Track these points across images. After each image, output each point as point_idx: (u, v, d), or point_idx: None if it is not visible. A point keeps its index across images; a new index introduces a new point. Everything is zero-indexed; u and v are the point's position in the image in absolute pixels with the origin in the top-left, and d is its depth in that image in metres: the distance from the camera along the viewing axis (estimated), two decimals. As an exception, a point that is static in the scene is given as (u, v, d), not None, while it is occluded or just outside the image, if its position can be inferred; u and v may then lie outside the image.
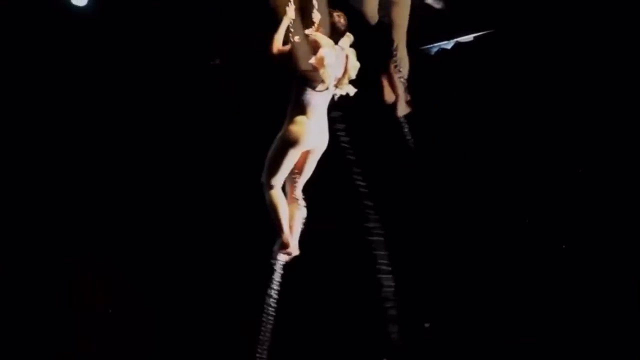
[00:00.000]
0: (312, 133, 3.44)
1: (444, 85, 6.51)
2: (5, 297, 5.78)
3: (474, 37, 6.39)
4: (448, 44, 6.61)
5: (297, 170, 3.58)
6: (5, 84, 5.64)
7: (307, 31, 3.45)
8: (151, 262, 6.33)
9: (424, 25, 6.52)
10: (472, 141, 6.24)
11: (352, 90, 3.49)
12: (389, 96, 4.21)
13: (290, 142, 3.43)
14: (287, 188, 3.61)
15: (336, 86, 3.44)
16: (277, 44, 3.38)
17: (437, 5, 6.38)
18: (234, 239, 6.42)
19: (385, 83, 3.85)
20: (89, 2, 5.51)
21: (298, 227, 3.64)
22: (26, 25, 5.49)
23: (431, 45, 6.74)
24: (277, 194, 3.51)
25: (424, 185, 6.34)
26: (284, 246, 3.53)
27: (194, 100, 6.61)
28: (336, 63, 3.38)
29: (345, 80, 3.45)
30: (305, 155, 3.55)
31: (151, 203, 6.38)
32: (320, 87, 3.38)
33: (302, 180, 3.62)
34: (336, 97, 3.52)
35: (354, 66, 3.47)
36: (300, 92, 3.43)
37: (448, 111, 6.42)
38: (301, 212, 3.62)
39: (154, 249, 6.34)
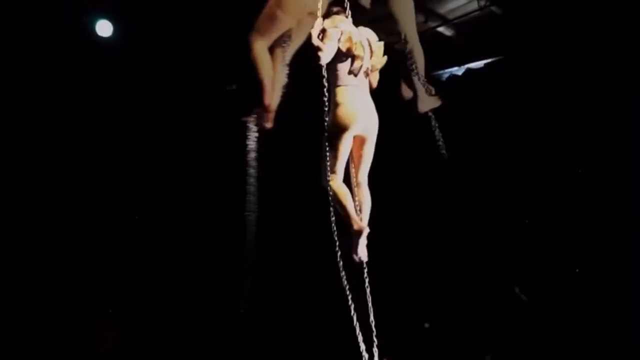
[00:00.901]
0: (357, 113, 3.34)
1: (455, 110, 6.62)
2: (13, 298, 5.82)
3: (485, 64, 6.54)
4: (459, 70, 6.78)
5: (356, 158, 3.48)
6: (34, 111, 5.85)
7: (312, 31, 3.39)
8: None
9: (435, 51, 6.71)
10: (482, 160, 6.33)
11: (379, 64, 3.49)
12: (406, 92, 4.21)
13: (339, 127, 3.33)
14: (352, 176, 3.50)
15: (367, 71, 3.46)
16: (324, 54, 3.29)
17: (449, 33, 6.57)
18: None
19: (401, 80, 3.87)
20: (113, 33, 5.81)
21: (366, 215, 3.46)
22: (54, 55, 5.72)
23: (442, 71, 6.90)
24: (338, 185, 3.36)
25: (429, 193, 6.44)
26: (359, 234, 3.27)
27: (214, 124, 6.81)
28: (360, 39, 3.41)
29: (374, 57, 3.48)
30: (359, 142, 3.44)
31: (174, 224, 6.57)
32: (356, 64, 3.35)
33: (363, 167, 3.49)
34: (369, 70, 3.46)
35: (378, 45, 3.51)
36: (337, 78, 3.38)
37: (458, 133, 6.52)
38: (367, 199, 3.47)
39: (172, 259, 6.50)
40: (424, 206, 6.66)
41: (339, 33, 3.34)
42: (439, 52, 6.68)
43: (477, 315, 6.03)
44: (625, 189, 5.32)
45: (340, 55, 3.36)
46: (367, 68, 3.45)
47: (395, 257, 6.52)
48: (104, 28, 5.76)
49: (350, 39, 3.34)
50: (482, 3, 5.89)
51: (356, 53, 3.35)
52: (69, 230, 6.08)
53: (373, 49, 3.50)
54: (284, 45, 3.67)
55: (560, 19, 5.74)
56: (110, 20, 5.78)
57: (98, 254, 6.18)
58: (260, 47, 3.58)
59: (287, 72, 3.73)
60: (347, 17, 3.55)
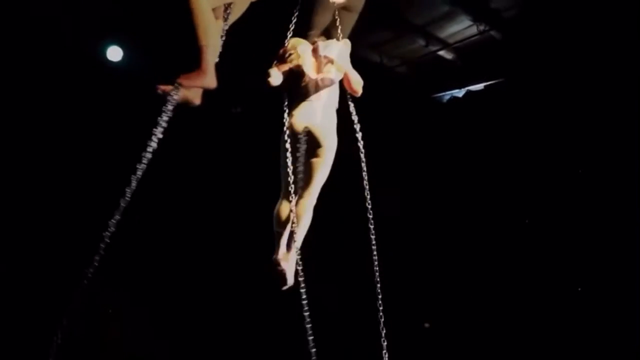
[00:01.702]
0: (300, 126, 3.27)
1: (455, 130, 6.73)
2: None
3: (484, 86, 6.67)
4: (459, 92, 6.92)
5: (305, 173, 3.33)
6: (48, 132, 6.00)
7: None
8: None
9: (436, 74, 6.84)
10: (483, 174, 6.41)
11: (335, 75, 3.37)
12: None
13: (283, 142, 3.30)
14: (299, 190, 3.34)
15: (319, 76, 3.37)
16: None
17: (449, 56, 6.70)
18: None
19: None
20: (123, 57, 6.01)
21: (299, 235, 3.27)
22: (67, 78, 5.90)
23: (443, 93, 7.03)
24: (279, 208, 3.31)
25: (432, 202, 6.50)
26: (274, 263, 3.31)
27: (220, 146, 6.94)
28: (311, 53, 3.40)
29: (326, 66, 3.38)
30: (309, 157, 3.32)
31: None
32: (304, 80, 3.34)
33: (309, 183, 3.33)
34: (320, 82, 3.36)
35: (337, 55, 3.41)
36: (292, 96, 3.39)
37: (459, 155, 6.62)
38: (302, 220, 3.29)
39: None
40: (425, 208, 6.73)
41: (289, 54, 3.40)
42: (440, 74, 6.84)
43: (478, 316, 6.05)
44: (622, 209, 5.40)
45: (293, 74, 3.37)
46: (318, 81, 3.37)
47: (395, 257, 6.62)
48: (114, 53, 5.97)
49: (298, 56, 3.37)
50: (481, 28, 6.01)
51: (303, 69, 3.34)
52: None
53: (329, 55, 3.40)
54: (225, 17, 3.18)
55: (557, 42, 5.87)
56: (120, 46, 6.01)
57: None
58: (205, 5, 2.90)
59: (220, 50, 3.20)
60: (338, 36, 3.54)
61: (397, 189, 6.62)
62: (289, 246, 3.33)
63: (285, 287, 3.30)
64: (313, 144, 3.30)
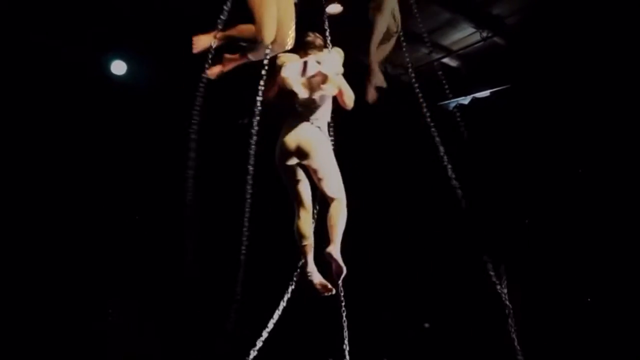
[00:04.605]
0: (285, 144, 3.40)
1: (462, 138, 6.70)
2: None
3: (490, 92, 6.65)
4: (465, 99, 6.89)
5: (316, 179, 3.47)
6: (53, 145, 6.06)
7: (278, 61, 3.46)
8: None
9: (441, 81, 6.82)
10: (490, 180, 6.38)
11: (330, 91, 3.43)
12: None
13: (277, 156, 3.44)
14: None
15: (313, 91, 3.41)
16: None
17: (454, 64, 6.69)
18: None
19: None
20: (127, 71, 6.05)
21: (335, 235, 3.36)
22: (73, 92, 5.96)
23: (449, 101, 7.00)
24: (298, 222, 3.45)
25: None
26: (306, 275, 3.50)
27: (226, 157, 6.94)
28: (300, 72, 3.40)
29: (324, 84, 3.41)
30: (309, 168, 3.47)
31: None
32: (299, 96, 3.39)
33: (326, 183, 3.44)
34: (318, 100, 3.44)
35: (333, 71, 3.44)
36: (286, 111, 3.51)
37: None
38: (340, 212, 3.41)
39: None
40: (431, 216, 6.72)
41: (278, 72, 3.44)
42: (446, 81, 6.81)
43: (476, 316, 6.02)
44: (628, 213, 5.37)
45: (284, 92, 3.45)
46: (314, 98, 3.43)
47: (396, 258, 6.60)
48: (118, 67, 6.01)
49: (283, 80, 3.40)
50: (485, 35, 6.01)
51: (291, 89, 3.39)
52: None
53: (324, 72, 3.43)
54: None
55: (561, 46, 5.86)
56: (124, 60, 6.04)
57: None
58: None
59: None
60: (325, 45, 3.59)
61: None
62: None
63: (324, 294, 3.46)
64: (300, 157, 3.42)
